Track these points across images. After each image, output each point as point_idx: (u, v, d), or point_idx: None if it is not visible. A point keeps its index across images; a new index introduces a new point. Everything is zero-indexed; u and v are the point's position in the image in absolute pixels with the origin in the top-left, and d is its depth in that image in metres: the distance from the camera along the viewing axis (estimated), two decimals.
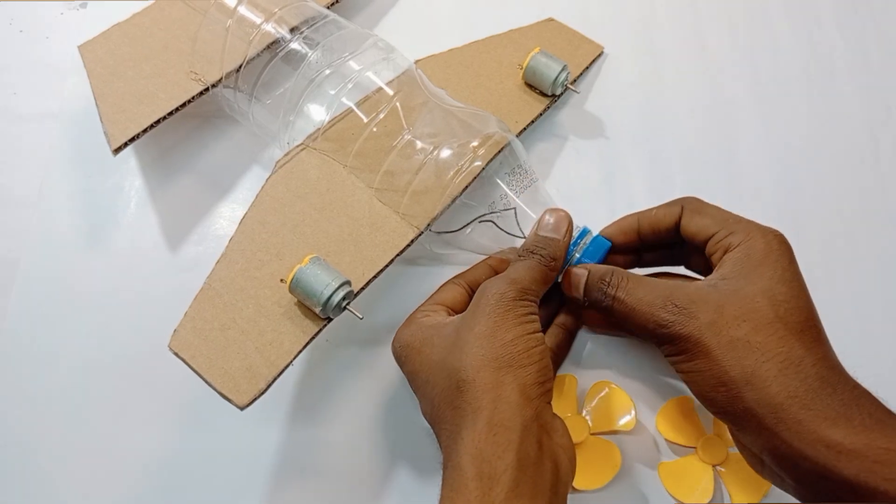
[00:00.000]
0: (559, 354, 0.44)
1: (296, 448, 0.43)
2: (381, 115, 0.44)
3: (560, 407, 0.43)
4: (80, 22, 0.57)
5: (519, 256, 0.41)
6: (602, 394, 0.44)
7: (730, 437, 0.42)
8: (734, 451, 0.42)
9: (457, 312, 0.41)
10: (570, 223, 0.41)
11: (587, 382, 0.44)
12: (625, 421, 0.42)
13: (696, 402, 0.43)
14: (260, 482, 0.43)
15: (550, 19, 0.55)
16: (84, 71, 0.47)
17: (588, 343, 0.46)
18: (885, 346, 0.46)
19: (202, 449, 0.43)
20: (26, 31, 0.57)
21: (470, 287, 0.43)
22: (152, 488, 0.43)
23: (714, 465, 0.42)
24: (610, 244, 0.43)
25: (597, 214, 0.49)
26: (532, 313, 0.38)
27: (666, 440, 0.43)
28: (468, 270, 0.45)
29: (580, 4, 0.57)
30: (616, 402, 0.43)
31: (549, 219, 0.41)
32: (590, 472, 0.41)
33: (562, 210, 0.42)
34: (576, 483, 0.41)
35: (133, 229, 0.49)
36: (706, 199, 0.41)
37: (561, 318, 0.45)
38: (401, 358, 0.40)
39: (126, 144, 0.44)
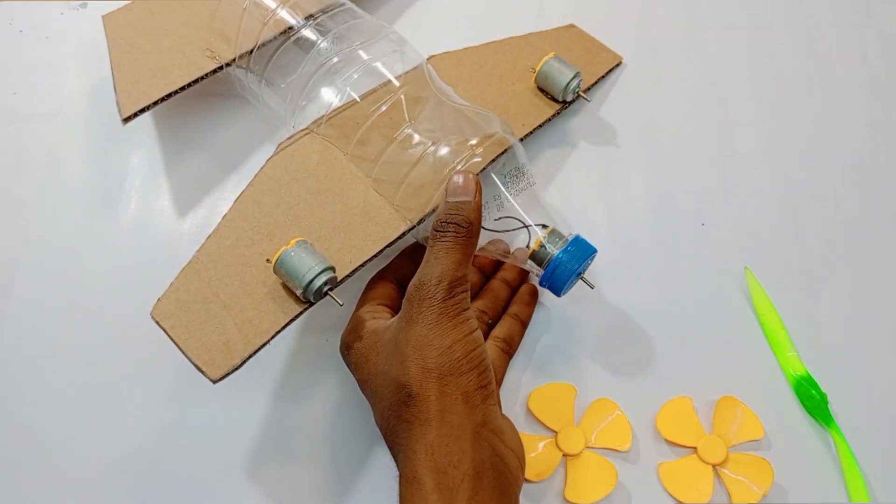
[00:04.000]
0: (511, 344, 0.44)
1: (276, 431, 0.44)
2: (385, 107, 0.44)
3: (557, 417, 0.43)
4: (80, 22, 0.57)
5: (433, 236, 0.38)
6: (604, 415, 0.44)
7: (730, 437, 0.42)
8: (734, 451, 0.42)
9: (394, 309, 0.41)
10: (479, 183, 0.39)
11: (586, 389, 0.44)
12: (621, 444, 0.43)
13: (696, 402, 0.44)
14: (239, 464, 0.43)
15: (571, 25, 0.55)
16: (84, 69, 0.48)
17: (587, 347, 0.46)
18: (885, 345, 0.45)
19: (188, 429, 0.44)
20: (26, 31, 0.57)
21: (398, 282, 0.43)
22: (136, 467, 0.43)
23: (714, 466, 0.42)
24: (595, 250, 0.42)
25: (597, 219, 0.49)
26: (465, 309, 0.37)
27: (665, 440, 0.43)
28: (390, 265, 0.44)
29: (611, 14, 0.57)
30: (616, 425, 0.43)
31: (458, 179, 0.38)
32: (584, 487, 0.42)
33: (469, 172, 0.39)
34: (568, 495, 0.41)
35: (134, 228, 0.49)
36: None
37: (513, 308, 0.44)
38: (350, 365, 0.40)
39: (135, 115, 0.45)
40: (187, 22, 0.50)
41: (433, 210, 0.42)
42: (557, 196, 0.50)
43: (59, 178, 0.51)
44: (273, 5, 0.47)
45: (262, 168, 0.44)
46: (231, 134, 0.52)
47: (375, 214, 0.43)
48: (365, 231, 0.43)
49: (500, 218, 0.44)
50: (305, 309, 0.40)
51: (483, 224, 0.43)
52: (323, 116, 0.45)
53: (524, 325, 0.45)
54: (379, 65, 0.46)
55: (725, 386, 0.44)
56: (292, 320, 0.39)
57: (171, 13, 0.50)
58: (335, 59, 0.46)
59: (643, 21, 0.57)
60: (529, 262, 0.42)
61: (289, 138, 0.45)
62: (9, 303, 0.47)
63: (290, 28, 0.47)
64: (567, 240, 0.42)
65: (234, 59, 0.48)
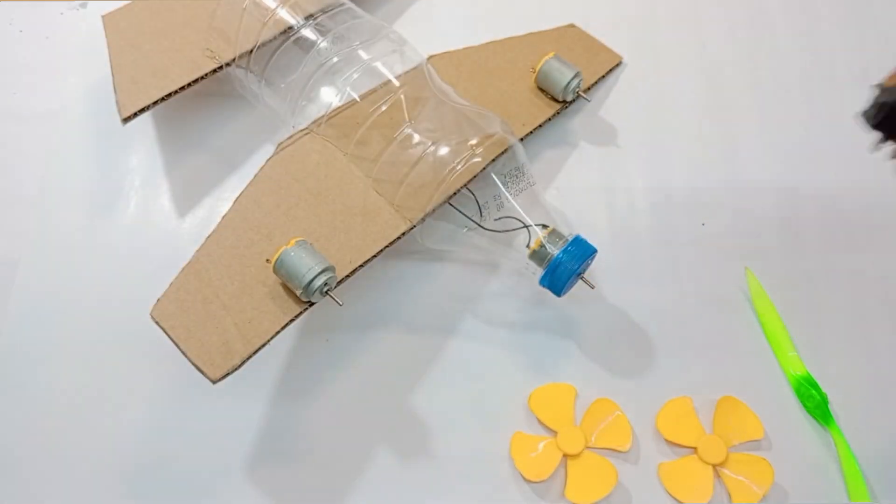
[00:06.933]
0: None
1: (276, 431, 0.44)
2: (385, 107, 0.44)
3: (557, 417, 0.43)
4: (80, 22, 0.57)
5: None
6: (605, 415, 0.44)
7: (730, 437, 0.42)
8: (734, 451, 0.42)
9: None
10: None
11: (586, 389, 0.44)
12: (621, 444, 0.43)
13: (696, 402, 0.43)
14: (239, 464, 0.43)
15: (571, 25, 0.55)
16: (83, 69, 0.47)
17: (587, 347, 0.45)
18: (885, 346, 0.45)
19: (187, 430, 0.44)
20: (26, 31, 0.57)
21: None
22: (136, 468, 0.43)
23: (714, 466, 0.42)
24: (595, 250, 0.42)
25: (597, 219, 0.49)
26: None
27: (666, 440, 0.43)
28: None
29: (612, 14, 0.57)
30: (616, 425, 0.43)
31: None
32: (584, 487, 0.42)
33: None
34: (568, 495, 0.41)
35: (133, 228, 0.49)
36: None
37: None
38: None
39: (135, 115, 0.45)
40: (187, 22, 0.50)
41: (433, 210, 0.42)
42: (557, 196, 0.50)
43: (58, 178, 0.51)
44: (273, 5, 0.47)
45: (261, 168, 0.44)
46: (231, 134, 0.52)
47: (375, 215, 0.43)
48: (365, 231, 0.42)
49: (500, 218, 0.44)
50: (305, 309, 0.40)
51: (482, 224, 0.44)
52: (323, 116, 0.45)
53: None
54: (379, 64, 0.46)
55: (726, 386, 0.44)
56: (292, 321, 0.39)
57: (170, 13, 0.50)
58: (335, 59, 0.46)
59: (643, 21, 0.57)
60: (529, 261, 0.43)
61: (288, 138, 0.45)
62: (8, 303, 0.47)
63: (290, 28, 0.47)
64: (567, 240, 0.42)
65: (233, 59, 0.48)
